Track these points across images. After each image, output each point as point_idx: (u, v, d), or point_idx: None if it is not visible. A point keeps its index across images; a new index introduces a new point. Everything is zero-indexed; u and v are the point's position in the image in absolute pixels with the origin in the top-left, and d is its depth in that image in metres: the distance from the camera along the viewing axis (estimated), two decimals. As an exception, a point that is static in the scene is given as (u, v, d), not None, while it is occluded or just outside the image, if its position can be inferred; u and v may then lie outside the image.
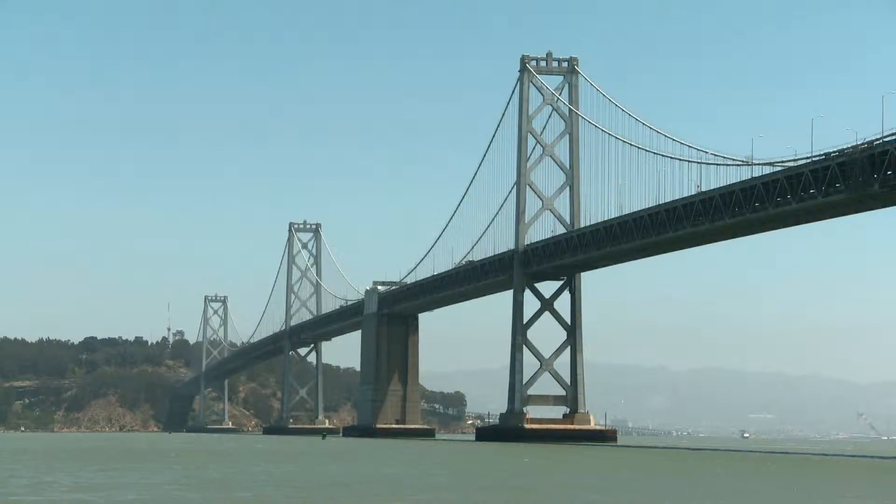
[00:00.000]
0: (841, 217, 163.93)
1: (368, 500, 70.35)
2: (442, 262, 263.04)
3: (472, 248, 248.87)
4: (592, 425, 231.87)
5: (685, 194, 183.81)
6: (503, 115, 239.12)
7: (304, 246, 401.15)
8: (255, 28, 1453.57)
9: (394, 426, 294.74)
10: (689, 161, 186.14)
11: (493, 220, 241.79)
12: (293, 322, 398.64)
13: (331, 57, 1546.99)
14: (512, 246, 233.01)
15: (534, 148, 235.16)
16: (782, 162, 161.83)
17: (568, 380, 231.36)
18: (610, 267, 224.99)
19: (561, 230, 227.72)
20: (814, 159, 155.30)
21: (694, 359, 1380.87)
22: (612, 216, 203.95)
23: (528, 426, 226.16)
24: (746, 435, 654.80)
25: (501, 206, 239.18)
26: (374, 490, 78.38)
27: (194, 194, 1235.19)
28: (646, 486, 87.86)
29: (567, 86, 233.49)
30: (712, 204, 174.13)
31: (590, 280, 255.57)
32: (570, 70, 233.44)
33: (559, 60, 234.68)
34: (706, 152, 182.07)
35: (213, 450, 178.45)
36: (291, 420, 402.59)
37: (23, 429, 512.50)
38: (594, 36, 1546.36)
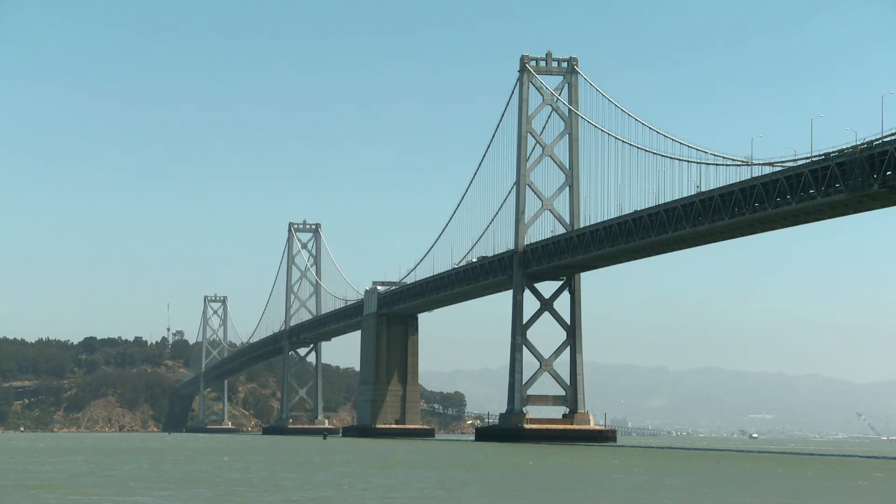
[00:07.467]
0: (841, 217, 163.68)
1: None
2: (442, 262, 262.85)
3: (472, 247, 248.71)
4: (592, 425, 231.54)
5: (685, 194, 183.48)
6: (503, 115, 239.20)
7: (304, 246, 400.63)
8: (256, 28, 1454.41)
9: (393, 426, 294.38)
10: (688, 161, 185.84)
11: (492, 220, 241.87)
12: (293, 322, 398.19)
13: (331, 57, 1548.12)
14: (511, 246, 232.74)
15: (533, 148, 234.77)
16: (782, 162, 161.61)
17: (567, 380, 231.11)
18: (609, 267, 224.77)
19: (560, 230, 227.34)
20: (813, 159, 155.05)
21: (694, 359, 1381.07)
22: (612, 216, 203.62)
23: (527, 426, 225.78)
24: (755, 435, 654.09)
25: (501, 206, 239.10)
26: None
27: (194, 194, 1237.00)
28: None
29: (567, 86, 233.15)
30: (712, 204, 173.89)
31: (589, 280, 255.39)
32: (569, 70, 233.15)
33: (559, 60, 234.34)
34: (706, 152, 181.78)
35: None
36: (291, 420, 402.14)
37: (22, 429, 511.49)
38: (594, 36, 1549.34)
